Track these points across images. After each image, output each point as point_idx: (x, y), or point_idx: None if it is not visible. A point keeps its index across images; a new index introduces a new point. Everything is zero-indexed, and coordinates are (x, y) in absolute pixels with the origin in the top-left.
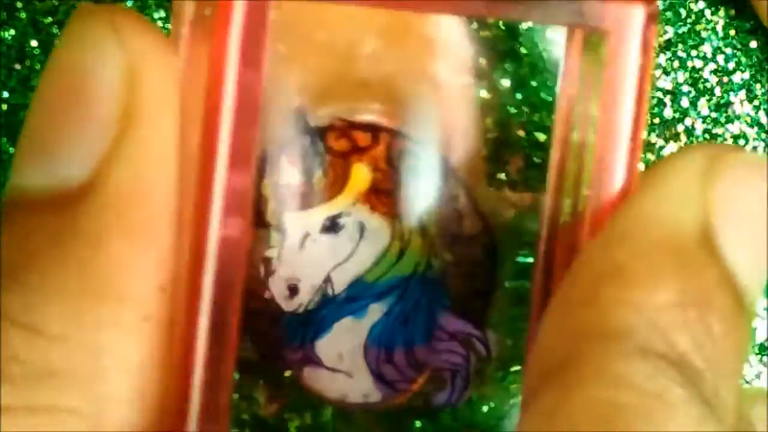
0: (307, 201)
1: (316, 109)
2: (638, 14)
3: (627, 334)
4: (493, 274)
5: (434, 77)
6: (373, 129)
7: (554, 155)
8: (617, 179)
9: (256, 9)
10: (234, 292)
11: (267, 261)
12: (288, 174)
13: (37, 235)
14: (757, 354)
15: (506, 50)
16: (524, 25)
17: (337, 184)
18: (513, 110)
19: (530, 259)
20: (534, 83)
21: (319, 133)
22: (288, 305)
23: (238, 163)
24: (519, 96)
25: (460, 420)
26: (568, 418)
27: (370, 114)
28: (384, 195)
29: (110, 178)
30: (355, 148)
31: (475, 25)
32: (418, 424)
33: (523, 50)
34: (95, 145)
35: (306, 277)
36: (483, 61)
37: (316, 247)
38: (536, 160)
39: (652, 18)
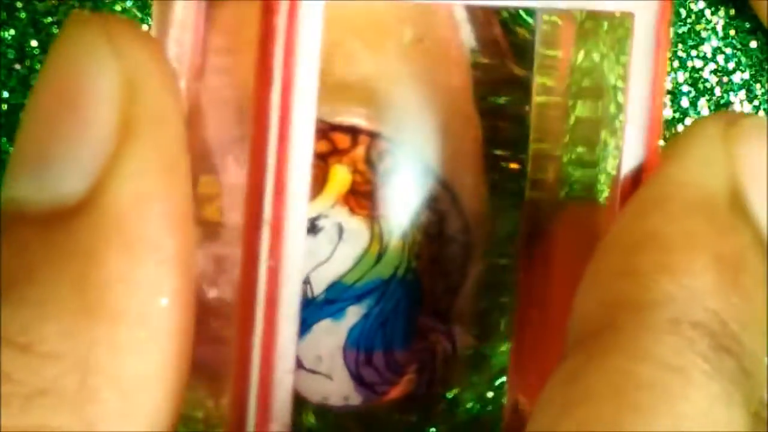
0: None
1: None
2: None
3: (663, 304)
4: (465, 271)
5: (414, 78)
6: (353, 131)
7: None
8: (640, 154)
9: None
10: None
11: None
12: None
13: (34, 249)
14: None
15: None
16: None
17: (316, 185)
18: (500, 102)
19: (504, 257)
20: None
21: None
22: None
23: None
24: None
25: (438, 416)
26: (584, 386)
27: (349, 116)
28: (363, 197)
29: (108, 192)
30: (335, 150)
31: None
32: (396, 416)
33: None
34: (93, 159)
35: None
36: (470, 57)
37: None
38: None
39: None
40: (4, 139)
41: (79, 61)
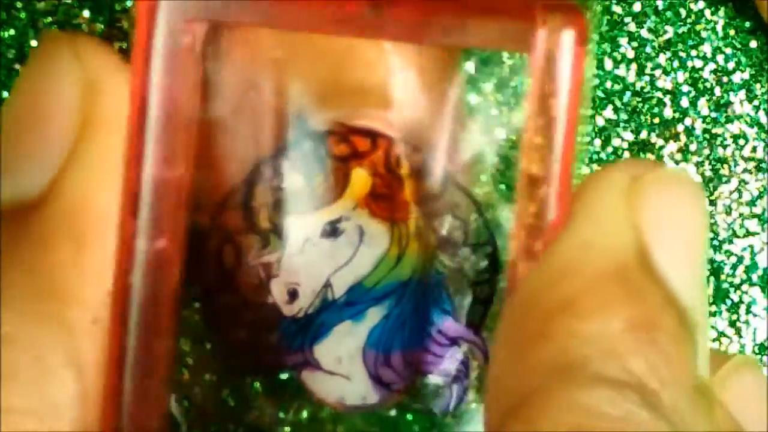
0: (307, 205)
1: (316, 113)
2: (567, 37)
3: (583, 365)
4: (494, 282)
5: (434, 85)
6: (372, 134)
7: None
8: (551, 203)
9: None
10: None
11: (267, 266)
12: (288, 178)
13: None
14: (757, 354)
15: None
16: None
17: (337, 188)
18: (494, 113)
19: None
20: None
21: (320, 138)
22: (288, 310)
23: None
24: (500, 97)
25: (460, 427)
26: None
27: (368, 119)
28: (383, 200)
29: (63, 187)
30: (355, 152)
31: None
32: (416, 429)
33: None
34: (52, 158)
35: (306, 282)
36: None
37: (317, 252)
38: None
39: (581, 40)
40: None
41: (45, 71)
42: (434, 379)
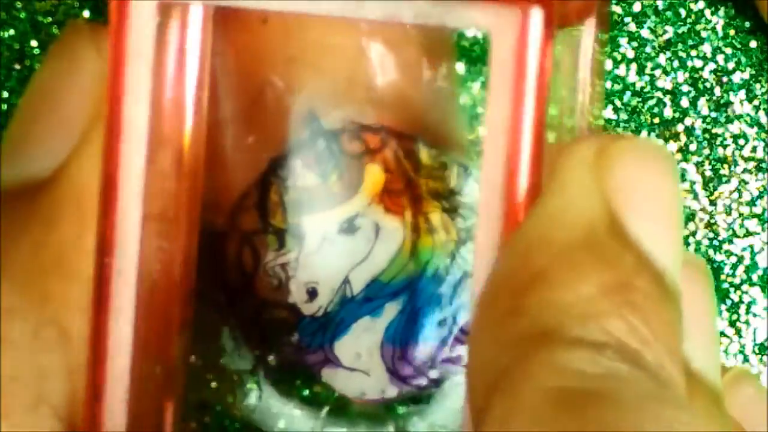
0: (323, 203)
1: (328, 112)
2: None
3: (561, 330)
4: None
5: (440, 81)
6: (382, 131)
7: None
8: (522, 181)
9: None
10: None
11: (285, 266)
12: (302, 177)
13: (2, 219)
14: (757, 354)
15: None
16: None
17: (352, 185)
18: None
19: None
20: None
21: (333, 136)
22: (307, 309)
23: None
24: None
25: None
26: (527, 414)
27: (378, 117)
28: (396, 195)
29: (72, 169)
30: (367, 149)
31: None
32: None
33: None
34: (63, 142)
35: (324, 280)
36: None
37: (334, 249)
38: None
39: (548, 21)
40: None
41: (66, 58)
42: (450, 372)
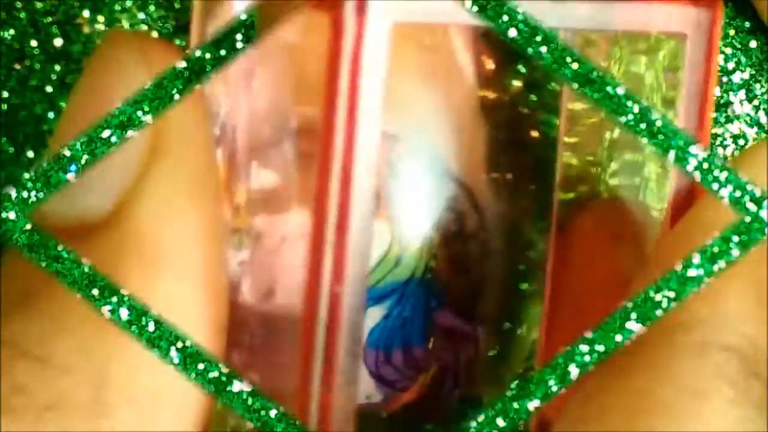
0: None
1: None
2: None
3: (693, 326)
4: (484, 269)
5: (428, 79)
6: None
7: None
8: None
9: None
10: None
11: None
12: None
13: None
14: None
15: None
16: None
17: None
18: (525, 111)
19: (529, 262)
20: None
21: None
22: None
23: None
24: (533, 97)
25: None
26: (599, 404)
27: None
28: (383, 199)
29: (131, 211)
30: None
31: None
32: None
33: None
34: (120, 178)
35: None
36: (489, 63)
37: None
38: (545, 158)
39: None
40: (3, 139)
41: (112, 76)
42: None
